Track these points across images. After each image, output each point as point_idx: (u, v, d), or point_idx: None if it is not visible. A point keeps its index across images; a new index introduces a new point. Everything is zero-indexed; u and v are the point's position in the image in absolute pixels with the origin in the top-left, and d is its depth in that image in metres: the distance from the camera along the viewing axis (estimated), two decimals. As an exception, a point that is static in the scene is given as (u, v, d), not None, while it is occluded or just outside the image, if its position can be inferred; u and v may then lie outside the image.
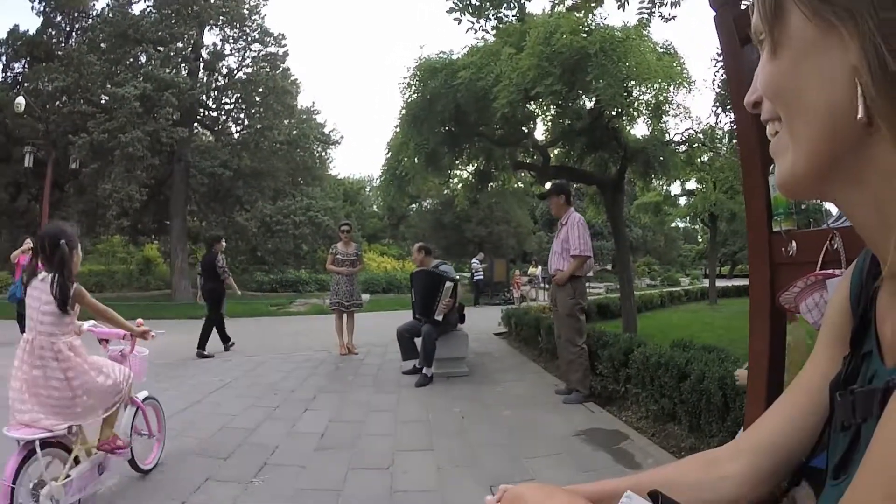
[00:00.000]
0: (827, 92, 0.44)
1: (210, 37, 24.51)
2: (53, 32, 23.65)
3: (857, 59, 0.41)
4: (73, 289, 2.71)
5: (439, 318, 6.11)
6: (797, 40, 0.45)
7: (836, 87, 0.43)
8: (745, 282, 17.80)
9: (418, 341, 6.26)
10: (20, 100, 16.42)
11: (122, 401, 3.00)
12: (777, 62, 0.48)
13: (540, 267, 20.14)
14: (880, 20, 0.39)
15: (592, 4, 6.34)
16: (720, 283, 21.76)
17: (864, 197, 0.46)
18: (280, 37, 24.70)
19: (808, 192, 0.52)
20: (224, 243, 9.15)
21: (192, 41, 23.24)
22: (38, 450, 2.47)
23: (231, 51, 24.43)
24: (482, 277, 21.42)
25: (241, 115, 24.95)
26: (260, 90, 23.66)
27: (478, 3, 7.38)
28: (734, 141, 8.22)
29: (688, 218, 21.20)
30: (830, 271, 1.40)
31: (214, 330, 8.20)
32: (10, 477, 2.35)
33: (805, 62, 0.45)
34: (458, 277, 6.49)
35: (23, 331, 7.21)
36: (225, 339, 8.41)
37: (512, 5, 7.58)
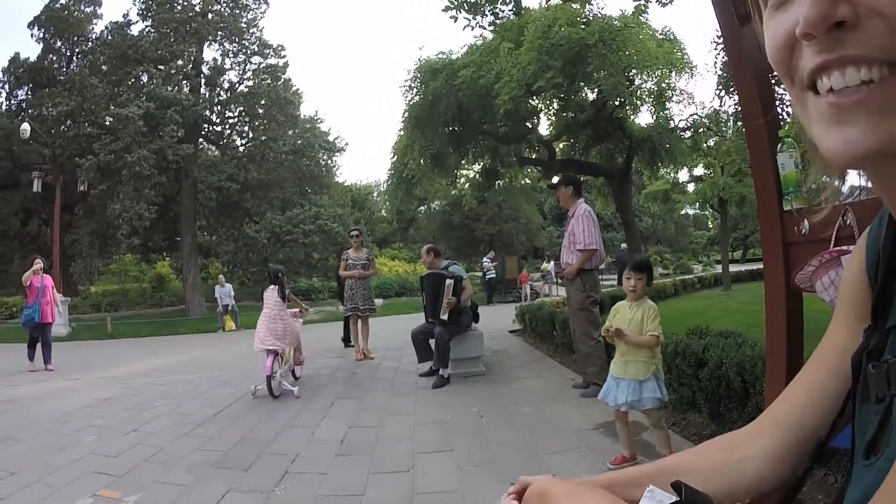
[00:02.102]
0: None
1: (210, 52, 24.79)
2: (54, 58, 24.01)
3: None
4: (287, 291, 6.13)
5: (444, 316, 6.08)
6: None
7: None
8: (758, 265, 17.62)
9: (434, 343, 6.25)
10: (25, 126, 16.60)
11: (297, 342, 6.36)
12: None
13: (552, 262, 20.08)
14: None
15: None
16: (733, 268, 21.54)
17: None
18: (279, 48, 24.89)
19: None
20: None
21: (192, 58, 23.46)
22: (279, 354, 5.79)
23: (231, 65, 24.66)
24: (494, 276, 21.37)
25: (246, 128, 25.16)
26: (262, 102, 23.82)
27: (473, 0, 7.37)
28: (739, 123, 8.15)
29: (697, 204, 21.02)
30: (845, 248, 1.37)
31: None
32: (269, 367, 5.55)
33: None
34: (463, 275, 6.43)
35: (32, 356, 8.49)
36: (347, 340, 9.22)
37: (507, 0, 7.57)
